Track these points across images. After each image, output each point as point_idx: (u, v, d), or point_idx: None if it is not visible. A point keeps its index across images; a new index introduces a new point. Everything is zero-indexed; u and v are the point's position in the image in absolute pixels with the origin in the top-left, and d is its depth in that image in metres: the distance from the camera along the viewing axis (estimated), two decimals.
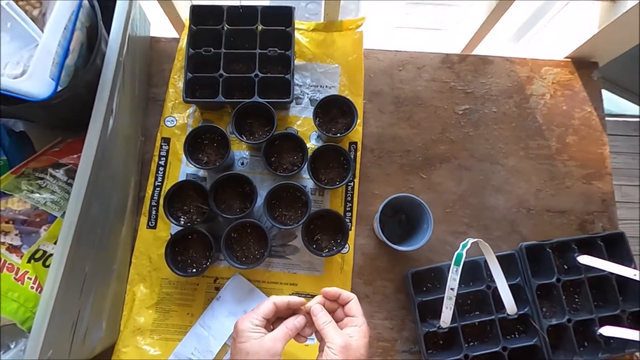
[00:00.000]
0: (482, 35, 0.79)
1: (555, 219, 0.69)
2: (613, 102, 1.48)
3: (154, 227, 0.66)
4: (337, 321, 0.47)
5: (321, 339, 0.47)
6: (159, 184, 0.67)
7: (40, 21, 0.39)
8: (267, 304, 0.45)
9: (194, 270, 0.60)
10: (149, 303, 0.63)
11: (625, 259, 0.62)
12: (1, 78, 0.35)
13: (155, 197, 0.66)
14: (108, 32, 0.48)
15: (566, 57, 0.76)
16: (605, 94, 1.51)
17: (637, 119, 1.39)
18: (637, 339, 0.56)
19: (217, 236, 0.60)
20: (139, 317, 0.62)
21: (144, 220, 0.66)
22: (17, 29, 0.34)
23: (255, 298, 0.63)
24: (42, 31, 0.38)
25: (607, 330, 0.58)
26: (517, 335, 0.62)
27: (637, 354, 0.62)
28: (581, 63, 0.75)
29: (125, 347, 0.60)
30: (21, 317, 0.39)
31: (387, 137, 0.71)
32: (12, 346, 0.38)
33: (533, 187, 0.70)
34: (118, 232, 0.60)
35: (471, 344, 0.61)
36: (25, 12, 0.39)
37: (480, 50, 0.84)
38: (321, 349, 0.46)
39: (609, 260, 0.60)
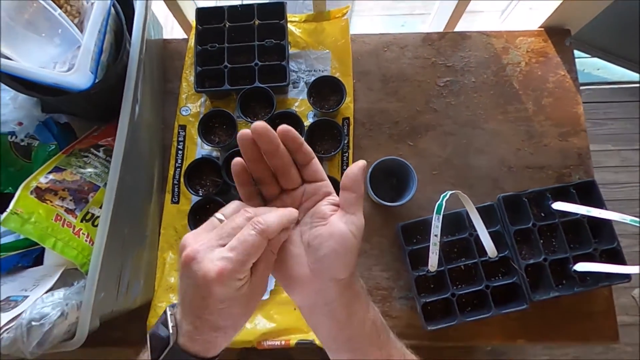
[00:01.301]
0: (460, 13, 0.86)
1: (534, 175, 0.76)
2: (609, 70, 1.51)
3: (177, 202, 0.76)
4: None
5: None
6: (179, 165, 0.77)
7: (78, 28, 0.50)
8: (258, 242, 0.30)
9: None
10: (178, 266, 0.73)
11: (597, 204, 0.68)
12: (54, 74, 0.46)
13: (177, 177, 0.77)
14: (130, 35, 0.59)
15: (539, 27, 0.82)
16: (600, 63, 1.54)
17: (633, 85, 1.42)
18: (608, 271, 0.63)
19: None
20: (170, 277, 0.72)
21: (168, 197, 0.76)
22: (65, 34, 0.44)
23: None
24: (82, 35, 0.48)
25: (581, 266, 0.65)
26: (500, 277, 0.69)
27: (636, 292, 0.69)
28: (554, 31, 0.81)
29: (160, 303, 0.71)
30: (80, 261, 0.49)
31: (376, 111, 0.79)
32: (75, 284, 0.48)
33: (513, 147, 0.77)
34: (147, 205, 0.70)
35: (458, 286, 0.68)
36: None
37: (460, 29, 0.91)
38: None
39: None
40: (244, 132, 0.34)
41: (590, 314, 0.69)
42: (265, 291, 0.34)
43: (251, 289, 0.31)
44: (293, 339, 0.66)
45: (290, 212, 0.34)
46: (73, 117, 0.63)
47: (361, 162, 0.35)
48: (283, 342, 0.66)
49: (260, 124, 0.33)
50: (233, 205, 0.34)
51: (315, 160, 0.36)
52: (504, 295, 0.66)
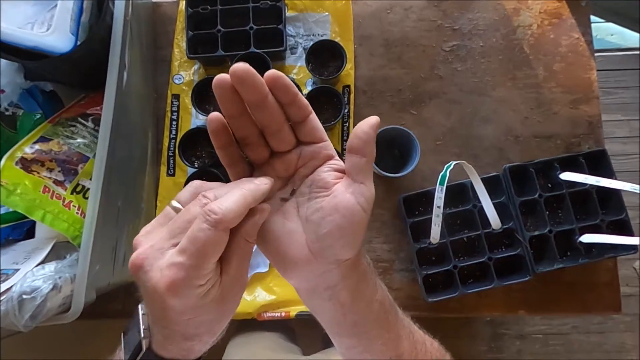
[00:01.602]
0: None
1: (542, 144, 0.73)
2: (623, 36, 1.44)
3: (173, 175, 0.74)
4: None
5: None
6: (174, 136, 0.75)
7: None
8: (212, 238, 0.23)
9: None
10: None
11: (607, 175, 0.65)
12: (31, 35, 0.43)
13: (172, 148, 0.74)
14: None
15: None
16: (614, 28, 1.46)
17: None
18: (614, 242, 0.61)
19: (226, 176, 0.67)
20: None
21: (163, 169, 0.74)
22: None
23: None
24: None
25: (586, 238, 0.63)
26: (503, 249, 0.68)
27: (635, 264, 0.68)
28: None
29: None
30: (71, 234, 0.48)
31: (378, 78, 0.75)
32: (67, 256, 0.47)
33: (520, 115, 0.74)
34: (142, 177, 0.68)
35: (461, 258, 0.67)
36: None
37: None
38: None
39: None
40: (220, 76, 0.25)
41: (594, 285, 0.68)
42: (245, 287, 0.28)
43: (223, 291, 0.25)
44: (293, 311, 0.66)
45: (257, 187, 0.26)
46: (59, 85, 0.60)
47: (373, 119, 0.28)
48: (283, 314, 0.66)
49: (241, 65, 0.24)
50: (190, 187, 0.28)
51: (313, 116, 0.29)
52: (507, 267, 0.65)
